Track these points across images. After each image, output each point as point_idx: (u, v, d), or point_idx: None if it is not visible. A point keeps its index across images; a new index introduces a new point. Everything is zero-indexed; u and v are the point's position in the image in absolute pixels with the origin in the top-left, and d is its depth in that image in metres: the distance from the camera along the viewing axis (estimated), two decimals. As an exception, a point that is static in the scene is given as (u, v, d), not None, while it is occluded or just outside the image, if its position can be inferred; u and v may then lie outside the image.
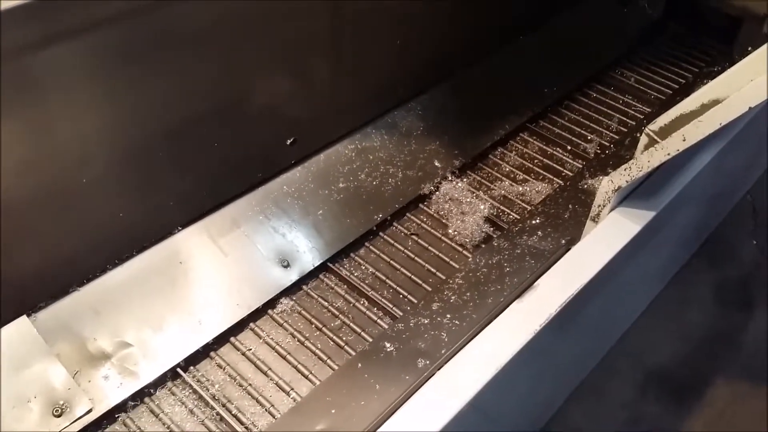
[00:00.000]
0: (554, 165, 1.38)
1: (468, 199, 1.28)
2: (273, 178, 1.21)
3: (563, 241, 1.08)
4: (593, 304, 1.08)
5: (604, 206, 1.04)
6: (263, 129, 1.17)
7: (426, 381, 0.88)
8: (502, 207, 1.28)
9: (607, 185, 1.02)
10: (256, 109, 1.13)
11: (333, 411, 0.87)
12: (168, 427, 0.93)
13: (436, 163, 1.32)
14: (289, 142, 1.21)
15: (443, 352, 0.93)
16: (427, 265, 1.17)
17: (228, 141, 1.12)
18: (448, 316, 1.00)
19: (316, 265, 1.13)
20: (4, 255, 0.89)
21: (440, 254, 1.19)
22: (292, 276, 1.11)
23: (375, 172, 1.28)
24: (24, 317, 0.93)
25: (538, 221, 1.14)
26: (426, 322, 1.00)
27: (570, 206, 1.17)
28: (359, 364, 0.94)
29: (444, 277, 1.13)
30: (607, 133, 1.46)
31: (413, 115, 1.39)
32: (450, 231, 1.23)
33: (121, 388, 0.93)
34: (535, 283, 0.97)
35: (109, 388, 0.92)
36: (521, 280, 1.01)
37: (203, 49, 0.98)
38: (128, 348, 0.97)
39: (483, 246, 1.18)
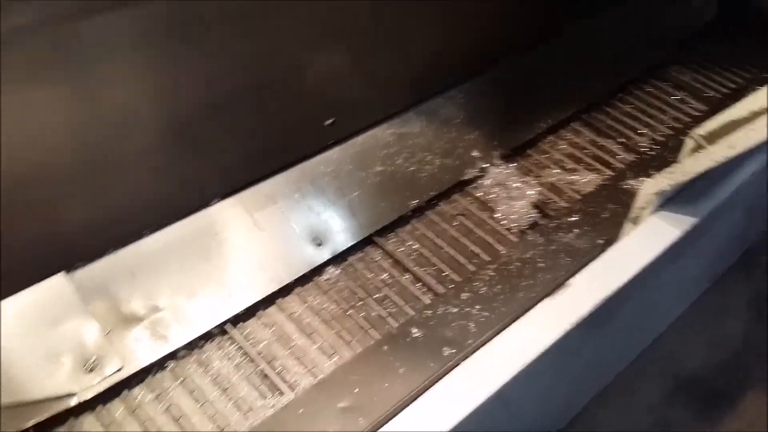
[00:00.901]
0: (605, 156, 1.35)
1: (516, 185, 1.27)
2: (311, 157, 1.21)
3: (600, 241, 1.07)
4: (627, 306, 1.07)
5: (644, 208, 1.02)
6: (303, 108, 1.17)
7: (451, 370, 0.88)
8: (550, 194, 1.27)
9: (649, 187, 1.00)
10: (296, 87, 1.14)
11: (356, 390, 0.88)
12: (215, 379, 0.95)
13: (475, 153, 1.31)
14: (328, 122, 1.21)
15: (470, 342, 0.93)
16: (471, 245, 1.17)
17: (268, 118, 1.13)
18: (478, 306, 0.99)
19: (348, 245, 1.13)
20: (47, 213, 0.92)
21: (485, 236, 1.19)
22: (324, 255, 1.11)
23: (412, 158, 1.28)
24: (62, 274, 0.95)
25: (575, 219, 1.13)
26: (455, 311, 0.99)
27: (609, 205, 1.15)
28: (385, 347, 0.94)
29: (489, 259, 1.14)
30: (660, 128, 1.43)
31: (454, 103, 1.38)
32: (496, 215, 1.22)
33: (152, 350, 0.95)
34: (569, 282, 0.96)
35: (140, 350, 0.94)
36: (554, 277, 1.00)
37: (246, 25, 0.99)
38: (160, 312, 0.98)
39: (526, 232, 1.17)
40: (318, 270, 1.11)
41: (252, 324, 1.03)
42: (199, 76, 1.00)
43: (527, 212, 1.21)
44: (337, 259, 1.13)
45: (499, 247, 1.17)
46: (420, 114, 1.35)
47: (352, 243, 1.14)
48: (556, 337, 0.88)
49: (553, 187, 1.29)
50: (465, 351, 0.91)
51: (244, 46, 1.01)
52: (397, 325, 1.02)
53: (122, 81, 0.92)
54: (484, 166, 1.29)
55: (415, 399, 0.84)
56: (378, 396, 0.87)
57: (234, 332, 1.01)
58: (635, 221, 1.04)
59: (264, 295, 1.05)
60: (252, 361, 0.98)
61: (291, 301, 1.07)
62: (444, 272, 1.13)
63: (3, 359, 0.85)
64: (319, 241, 1.12)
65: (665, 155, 1.27)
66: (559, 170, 1.32)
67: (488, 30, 1.39)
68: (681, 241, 1.01)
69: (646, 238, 1.00)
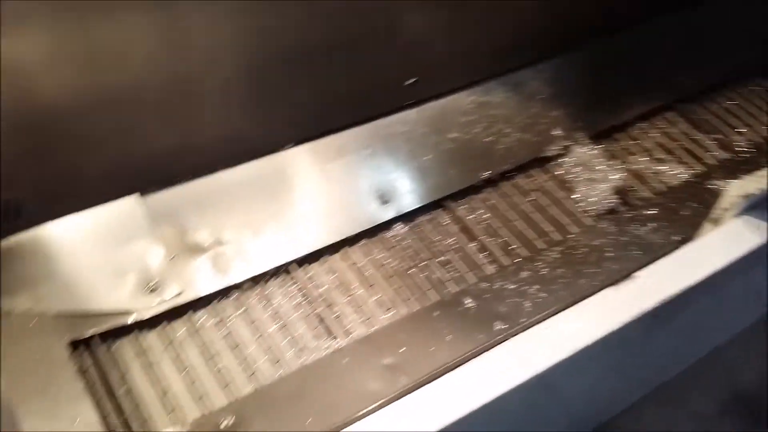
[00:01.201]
0: (697, 151, 1.29)
1: (599, 167, 1.22)
2: (387, 115, 1.20)
3: (675, 238, 1.02)
4: (690, 309, 1.02)
5: (727, 210, 0.97)
6: (387, 65, 1.16)
7: (498, 344, 0.87)
8: (634, 182, 1.22)
9: (735, 189, 0.95)
10: (382, 44, 1.13)
11: (402, 349, 0.88)
12: (274, 315, 0.98)
13: (557, 132, 1.27)
14: (409, 82, 1.20)
15: (522, 320, 0.92)
16: (543, 223, 1.15)
17: (351, 71, 1.12)
18: (536, 286, 0.97)
19: (413, 207, 1.13)
20: (127, 136, 0.95)
21: (559, 215, 1.16)
22: (388, 213, 1.11)
23: (490, 129, 1.25)
24: (136, 196, 0.98)
25: (653, 212, 1.08)
26: (512, 287, 0.98)
27: (691, 203, 1.10)
28: (436, 312, 0.94)
29: (560, 238, 1.11)
30: (761, 130, 1.34)
31: (542, 78, 1.33)
32: (574, 195, 1.19)
33: (211, 281, 0.97)
34: (635, 274, 0.92)
35: (200, 279, 0.97)
36: (621, 268, 0.96)
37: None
38: (224, 246, 1.01)
39: (601, 218, 1.13)
40: (385, 226, 1.11)
41: (315, 268, 1.05)
42: (288, 23, 1.00)
43: (607, 197, 1.17)
44: (405, 218, 1.12)
45: (573, 229, 1.13)
46: (504, 84, 1.31)
47: (417, 205, 1.13)
48: (612, 328, 0.85)
49: (637, 175, 1.23)
50: (516, 328, 0.90)
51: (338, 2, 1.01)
52: (456, 290, 1.02)
53: (214, 17, 0.93)
54: (567, 144, 1.25)
55: (457, 366, 0.84)
56: (423, 359, 0.87)
57: (298, 273, 1.03)
58: (716, 222, 0.99)
59: (324, 245, 1.05)
60: (311, 303, 1.00)
61: (356, 252, 1.08)
62: (511, 245, 1.11)
63: (71, 270, 0.89)
64: (385, 199, 1.12)
65: (759, 159, 1.20)
66: (647, 158, 1.26)
67: (586, 5, 1.34)
68: (759, 250, 0.96)
69: (724, 241, 0.95)
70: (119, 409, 0.84)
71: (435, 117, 1.23)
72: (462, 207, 1.16)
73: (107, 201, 0.97)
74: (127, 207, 0.98)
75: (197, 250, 0.99)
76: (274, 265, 1.02)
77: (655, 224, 1.05)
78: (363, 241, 1.09)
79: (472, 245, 1.11)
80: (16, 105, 0.84)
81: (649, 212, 1.08)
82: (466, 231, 1.13)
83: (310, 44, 1.05)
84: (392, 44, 1.15)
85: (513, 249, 1.10)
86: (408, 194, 1.13)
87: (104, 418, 0.80)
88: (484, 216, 1.15)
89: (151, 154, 1.00)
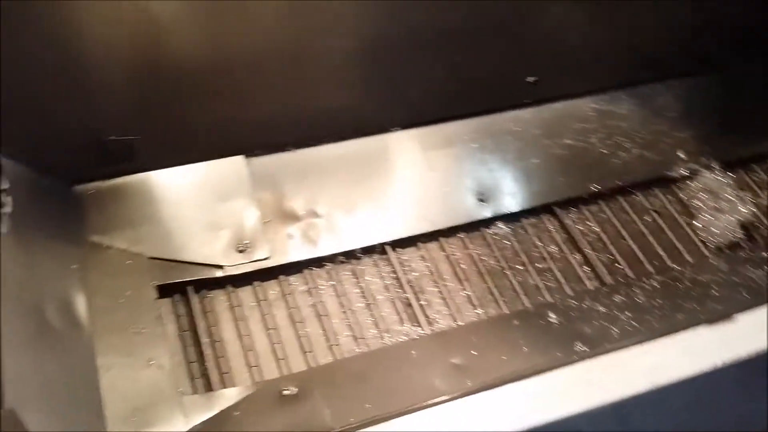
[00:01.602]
0: None
1: (728, 197, 1.13)
2: (501, 111, 1.17)
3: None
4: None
5: None
6: (510, 59, 1.13)
7: (575, 362, 0.82)
8: (765, 219, 1.13)
9: None
10: (508, 37, 1.10)
11: (473, 352, 0.86)
12: (362, 291, 0.99)
13: (681, 154, 1.19)
14: (530, 79, 1.16)
15: (607, 345, 0.87)
16: (657, 246, 1.08)
17: (472, 61, 1.10)
18: (628, 313, 0.91)
19: (511, 211, 1.09)
20: (240, 98, 0.98)
21: (676, 241, 1.09)
22: (484, 212, 1.08)
23: (608, 140, 1.19)
24: (242, 157, 1.02)
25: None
26: (602, 310, 0.93)
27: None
28: (515, 322, 0.91)
29: (673, 265, 1.05)
30: None
31: (674, 94, 1.25)
32: (696, 222, 1.11)
33: (299, 250, 0.99)
34: (735, 316, 0.85)
35: (290, 246, 0.99)
36: (725, 309, 0.89)
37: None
38: (317, 218, 1.02)
39: (729, 251, 1.06)
40: (486, 222, 1.08)
41: (410, 253, 1.04)
42: (417, 4, 1.00)
43: (732, 230, 1.08)
44: (509, 218, 1.09)
45: (688, 257, 1.06)
46: (631, 96, 1.24)
47: (516, 209, 1.09)
48: (700, 369, 0.79)
49: (769, 212, 1.13)
50: (597, 352, 0.85)
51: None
52: (543, 302, 0.98)
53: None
54: (694, 168, 1.17)
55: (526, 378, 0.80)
56: (492, 366, 0.84)
57: (392, 255, 1.02)
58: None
59: (415, 233, 1.04)
60: (401, 286, 0.99)
61: (453, 243, 1.06)
62: (618, 264, 1.05)
63: (171, 218, 0.94)
64: (483, 197, 1.09)
65: None
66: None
67: (732, 27, 1.24)
68: None
69: None
70: (200, 356, 0.87)
71: (551, 119, 1.19)
72: (571, 216, 1.11)
73: (214, 158, 1.01)
74: (232, 166, 1.01)
75: (292, 217, 1.01)
76: (363, 244, 1.02)
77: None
78: (461, 234, 1.07)
79: (576, 257, 1.06)
80: (144, 54, 0.89)
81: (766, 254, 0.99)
82: (572, 242, 1.08)
83: (436, 28, 1.04)
84: (520, 38, 1.11)
85: (618, 268, 1.04)
86: (508, 195, 1.10)
87: (177, 364, 0.84)
88: (594, 229, 1.10)
89: (261, 118, 1.03)
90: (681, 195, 1.15)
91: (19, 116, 0.83)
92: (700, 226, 1.10)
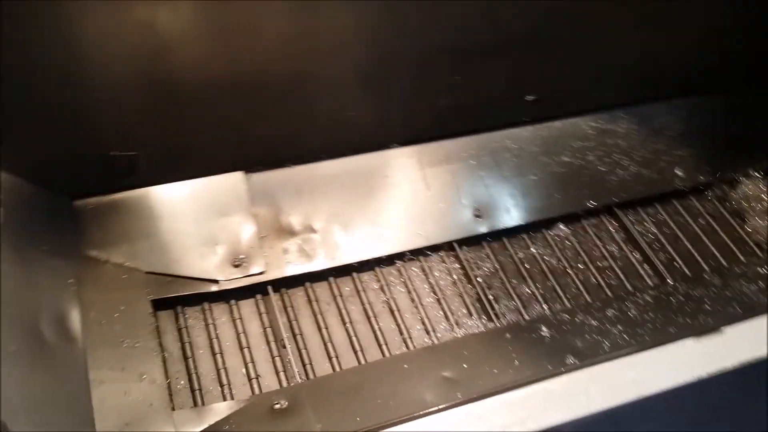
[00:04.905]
0: None
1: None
2: (500, 129, 1.18)
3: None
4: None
5: None
6: (509, 76, 1.14)
7: (562, 374, 0.83)
8: None
9: None
10: (507, 56, 1.10)
11: (464, 365, 0.86)
12: (432, 287, 1.02)
13: (678, 172, 1.19)
14: (530, 98, 1.17)
15: (597, 359, 0.87)
16: (712, 246, 1.13)
17: (469, 80, 1.11)
18: (620, 327, 0.92)
19: (507, 226, 1.10)
20: (243, 116, 1.00)
21: (729, 242, 1.14)
22: (480, 228, 1.09)
23: (606, 158, 1.19)
24: (241, 173, 1.03)
25: (764, 270, 0.99)
26: (594, 324, 0.93)
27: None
28: (508, 335, 0.91)
29: (725, 265, 1.10)
30: None
31: (673, 115, 1.26)
32: (747, 227, 1.16)
33: (294, 264, 1.00)
34: (723, 329, 0.85)
35: (284, 261, 1.00)
36: (715, 323, 0.89)
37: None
38: (313, 233, 1.03)
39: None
40: (546, 223, 1.13)
41: (477, 251, 1.08)
42: (418, 24, 1.01)
43: None
44: (570, 218, 1.14)
45: (742, 257, 1.11)
46: (631, 115, 1.25)
47: (511, 225, 1.10)
48: (685, 380, 0.79)
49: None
50: (586, 364, 0.85)
51: (470, 7, 1.00)
52: (610, 295, 1.04)
53: (345, 10, 0.95)
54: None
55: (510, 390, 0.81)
56: (482, 379, 0.84)
57: (459, 252, 1.07)
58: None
59: (411, 248, 1.05)
60: (470, 282, 1.04)
61: (518, 243, 1.11)
62: (675, 261, 1.10)
63: (168, 233, 0.95)
64: (479, 213, 1.10)
65: None
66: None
67: (733, 48, 1.24)
68: None
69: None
70: (195, 370, 0.88)
71: (550, 137, 1.20)
72: (630, 216, 1.16)
73: (214, 173, 1.02)
74: (231, 182, 1.03)
75: (288, 232, 1.02)
76: (359, 258, 1.03)
77: (763, 284, 0.96)
78: (523, 234, 1.12)
79: (635, 255, 1.11)
80: (148, 70, 0.90)
81: (761, 270, 0.99)
82: (632, 241, 1.13)
83: (436, 47, 1.05)
84: (520, 57, 1.12)
85: (678, 266, 1.09)
86: (504, 211, 1.11)
87: (170, 379, 0.84)
88: (653, 230, 1.15)
89: (262, 136, 1.04)
90: (730, 200, 1.20)
91: (21, 131, 0.84)
92: (751, 229, 1.16)
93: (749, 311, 0.91)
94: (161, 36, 0.87)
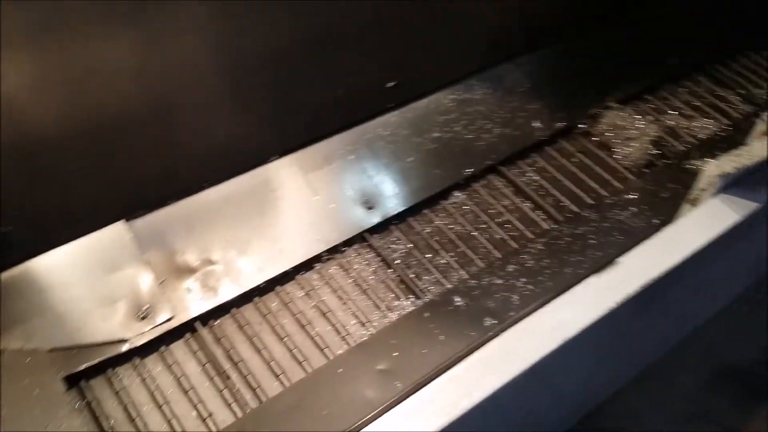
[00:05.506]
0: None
1: (635, 125, 1.30)
2: (369, 119, 1.21)
3: (656, 221, 1.03)
4: (673, 290, 1.03)
5: (705, 190, 0.98)
6: (366, 68, 1.17)
7: (490, 340, 0.88)
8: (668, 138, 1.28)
9: (712, 169, 0.96)
10: (361, 47, 1.13)
11: (395, 354, 0.89)
12: (354, 280, 1.04)
13: (536, 124, 1.28)
14: (390, 84, 1.21)
15: (512, 314, 0.93)
16: (589, 180, 1.21)
17: (330, 76, 1.13)
18: (523, 279, 0.98)
19: (398, 211, 1.13)
20: (110, 161, 0.96)
21: (604, 173, 1.22)
22: (373, 219, 1.12)
23: (471, 126, 1.26)
24: (122, 222, 1.00)
25: (632, 196, 1.09)
26: (499, 282, 0.99)
27: (670, 185, 1.11)
28: (426, 314, 0.95)
29: (607, 194, 1.17)
30: (740, 107, 1.37)
31: (521, 71, 1.34)
32: (616, 155, 1.25)
33: (202, 301, 0.98)
34: (618, 260, 0.93)
35: (191, 300, 0.98)
36: (604, 254, 0.97)
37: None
38: (213, 265, 1.02)
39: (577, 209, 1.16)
40: (443, 194, 1.18)
41: (388, 235, 1.12)
42: (262, 28, 1.00)
43: (645, 151, 1.24)
44: (465, 184, 1.19)
45: (618, 185, 1.19)
46: (484, 80, 1.32)
47: (402, 209, 1.14)
48: (598, 315, 0.86)
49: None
50: (506, 322, 0.91)
51: (306, 6, 1.01)
52: (516, 246, 1.09)
53: (187, 30, 0.94)
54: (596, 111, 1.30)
55: (451, 366, 0.85)
56: (416, 363, 0.88)
57: (372, 240, 1.10)
58: (694, 203, 1.00)
59: (311, 255, 1.06)
60: (389, 267, 1.07)
61: (422, 220, 1.15)
62: (562, 202, 1.17)
63: (60, 303, 0.90)
64: (370, 205, 1.13)
65: (736, 136, 1.21)
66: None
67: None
68: (738, 227, 0.97)
69: (703, 221, 0.96)
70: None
71: (417, 118, 1.24)
72: (513, 171, 1.23)
73: (95, 229, 0.98)
74: (114, 234, 0.99)
75: (186, 271, 1.00)
76: (264, 279, 1.02)
77: (635, 209, 1.06)
78: (423, 211, 1.16)
79: (526, 204, 1.17)
80: (4, 132, 0.84)
81: (629, 197, 1.09)
82: (520, 192, 1.19)
83: (283, 47, 1.05)
84: (371, 47, 1.15)
85: (565, 206, 1.15)
86: (393, 197, 1.14)
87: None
88: (534, 178, 1.22)
89: (136, 179, 1.01)
90: (594, 133, 1.29)
91: None
92: (619, 156, 1.25)
93: (630, 236, 1.01)
94: (6, 95, 0.82)
